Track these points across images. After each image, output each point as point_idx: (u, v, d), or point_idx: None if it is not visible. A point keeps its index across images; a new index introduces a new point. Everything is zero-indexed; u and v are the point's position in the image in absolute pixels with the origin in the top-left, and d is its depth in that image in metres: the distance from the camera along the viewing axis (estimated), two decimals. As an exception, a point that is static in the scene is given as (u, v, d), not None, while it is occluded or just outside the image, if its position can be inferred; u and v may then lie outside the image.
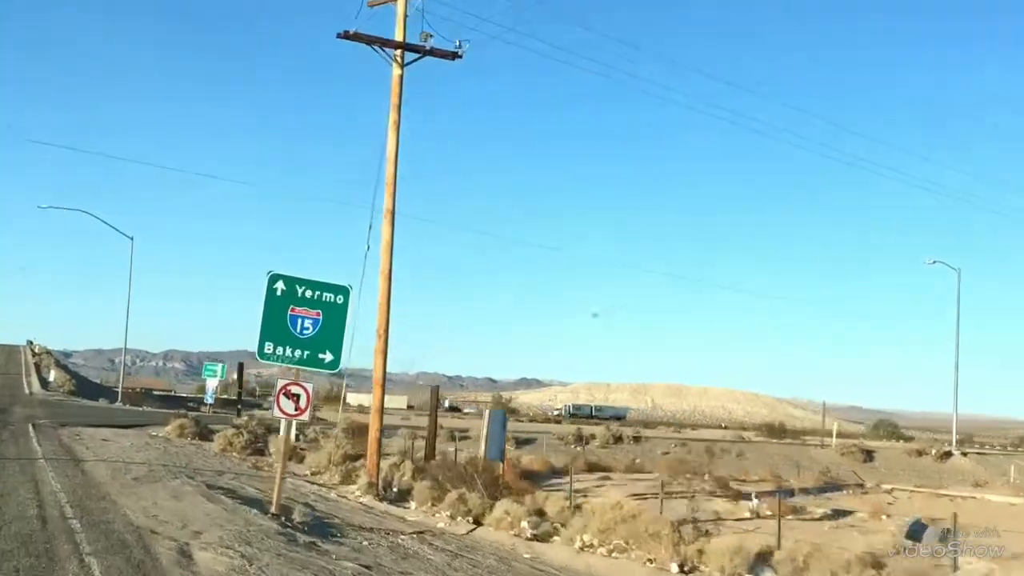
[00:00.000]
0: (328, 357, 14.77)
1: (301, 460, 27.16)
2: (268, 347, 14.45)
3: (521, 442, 39.48)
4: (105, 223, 54.10)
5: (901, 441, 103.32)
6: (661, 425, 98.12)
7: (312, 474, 25.09)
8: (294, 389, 14.45)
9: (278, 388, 14.44)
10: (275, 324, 14.48)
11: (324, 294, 14.81)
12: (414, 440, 32.15)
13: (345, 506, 18.23)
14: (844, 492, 31.75)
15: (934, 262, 47.38)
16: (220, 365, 50.80)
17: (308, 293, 14.71)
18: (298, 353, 14.57)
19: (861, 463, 41.64)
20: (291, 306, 14.59)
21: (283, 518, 13.67)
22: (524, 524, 16.29)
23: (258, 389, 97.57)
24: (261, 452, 28.29)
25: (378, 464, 21.53)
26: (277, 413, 14.36)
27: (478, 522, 17.54)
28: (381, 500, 20.17)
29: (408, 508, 19.64)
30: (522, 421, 68.11)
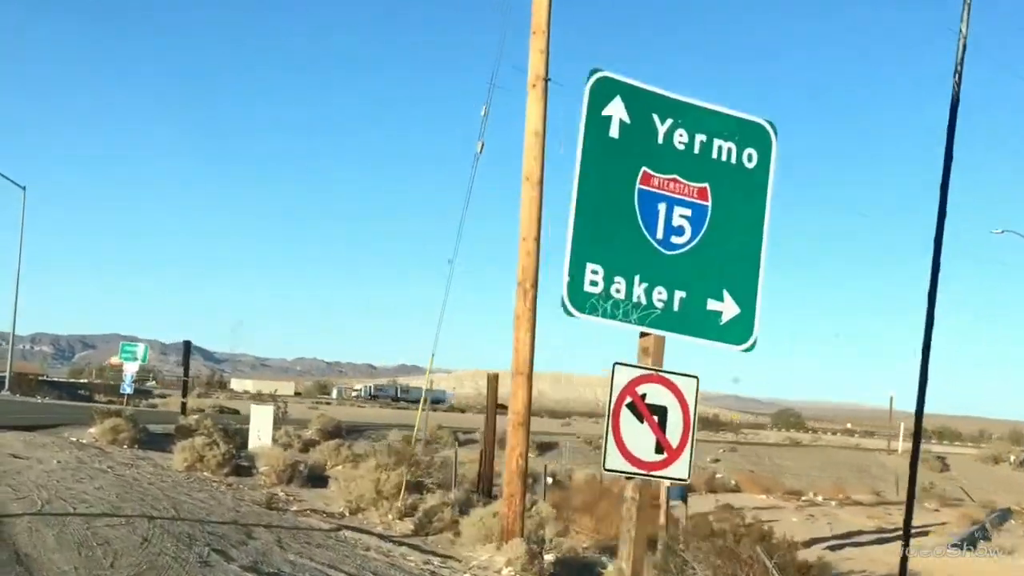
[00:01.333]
0: (730, 308, 5.53)
1: (318, 482, 17.76)
2: (592, 279, 5.14)
3: (539, 447, 30.78)
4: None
5: (809, 432, 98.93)
6: (544, 414, 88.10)
7: (350, 512, 15.76)
8: (652, 392, 5.35)
9: (617, 392, 5.25)
10: (606, 214, 5.19)
11: (716, 143, 5.58)
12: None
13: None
14: (1010, 520, 24.44)
15: (1003, 232, 40.82)
16: (142, 346, 39.74)
17: (682, 138, 5.47)
18: (662, 296, 5.35)
19: (938, 472, 34.76)
20: (643, 168, 5.37)
21: None
22: None
23: (109, 372, 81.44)
24: (243, 471, 18.63)
25: (523, 511, 12.37)
26: (616, 463, 5.15)
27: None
28: (554, 585, 11.12)
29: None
30: (409, 410, 59.24)
